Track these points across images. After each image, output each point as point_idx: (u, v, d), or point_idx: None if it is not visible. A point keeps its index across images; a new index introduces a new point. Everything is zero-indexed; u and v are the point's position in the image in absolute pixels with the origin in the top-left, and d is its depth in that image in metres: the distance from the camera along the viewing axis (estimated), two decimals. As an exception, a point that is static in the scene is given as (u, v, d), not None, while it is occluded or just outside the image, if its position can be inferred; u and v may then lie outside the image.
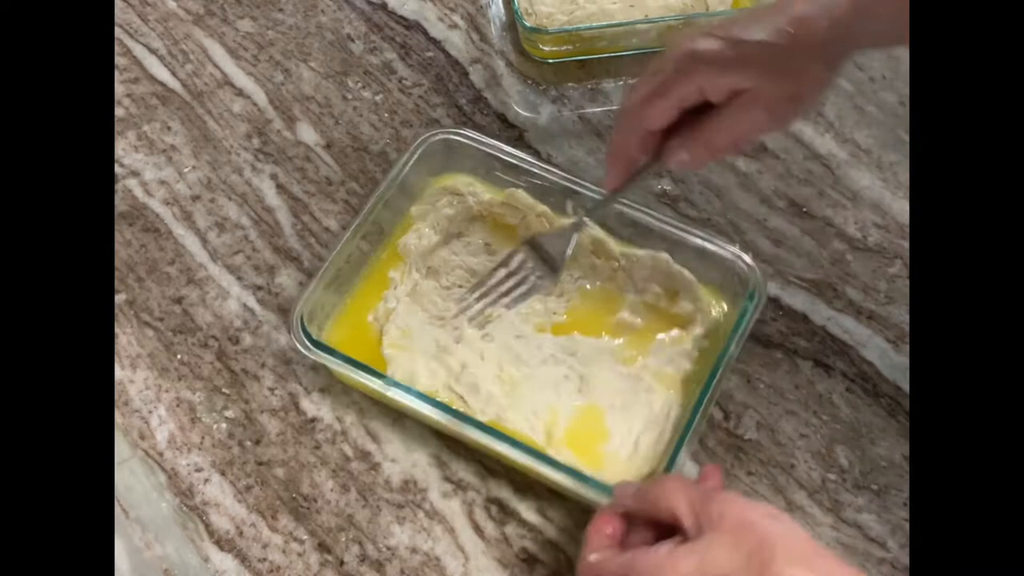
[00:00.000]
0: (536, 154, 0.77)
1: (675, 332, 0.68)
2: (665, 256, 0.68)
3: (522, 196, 0.71)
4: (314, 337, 0.63)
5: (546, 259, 0.66)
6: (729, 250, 0.67)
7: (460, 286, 0.69)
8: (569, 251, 0.65)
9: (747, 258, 0.66)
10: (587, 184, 0.69)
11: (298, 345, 0.62)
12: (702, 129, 0.57)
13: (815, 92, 0.57)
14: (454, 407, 0.62)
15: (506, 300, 0.67)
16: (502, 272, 0.67)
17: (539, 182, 0.70)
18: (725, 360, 0.62)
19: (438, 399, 0.63)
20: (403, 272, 0.70)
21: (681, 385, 0.66)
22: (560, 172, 0.70)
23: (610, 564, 0.55)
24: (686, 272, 0.68)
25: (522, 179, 0.71)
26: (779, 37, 0.54)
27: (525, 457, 0.60)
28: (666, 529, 0.55)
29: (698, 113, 0.57)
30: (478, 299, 0.67)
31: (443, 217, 0.72)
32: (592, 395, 0.65)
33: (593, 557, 0.56)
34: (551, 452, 0.62)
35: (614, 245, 0.70)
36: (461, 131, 0.71)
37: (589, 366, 0.66)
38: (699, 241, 0.67)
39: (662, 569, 0.51)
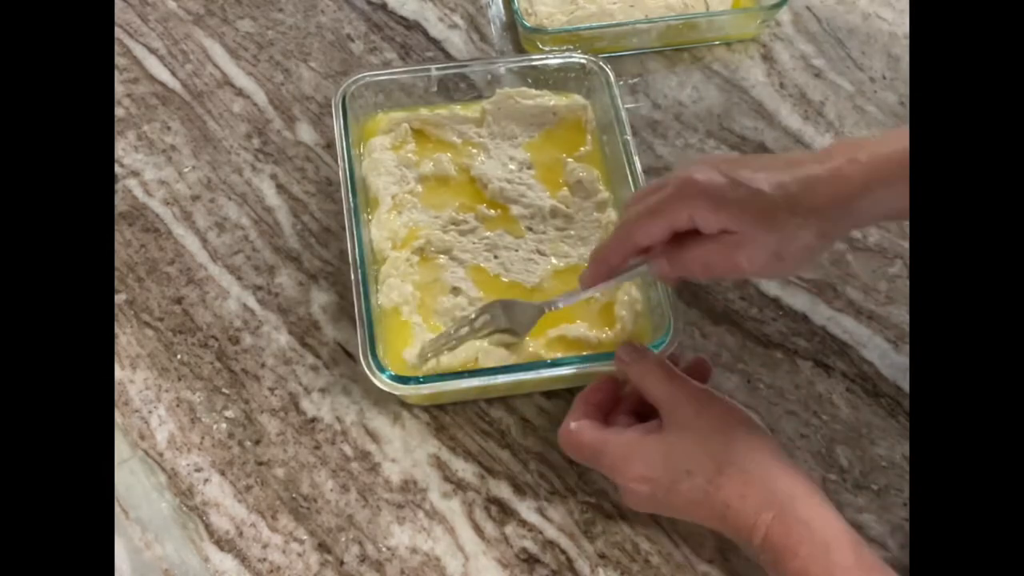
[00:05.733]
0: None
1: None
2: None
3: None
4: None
5: (512, 323, 0.65)
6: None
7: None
8: (532, 327, 0.65)
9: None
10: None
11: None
12: (682, 253, 0.57)
13: (799, 258, 0.56)
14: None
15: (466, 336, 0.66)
16: (465, 330, 0.65)
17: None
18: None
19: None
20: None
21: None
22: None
23: (585, 435, 0.59)
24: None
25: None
26: (779, 192, 0.53)
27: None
28: (648, 418, 0.60)
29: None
30: (440, 345, 0.65)
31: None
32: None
33: (574, 425, 0.60)
34: None
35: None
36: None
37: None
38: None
39: (632, 455, 0.57)
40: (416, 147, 0.76)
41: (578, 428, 0.60)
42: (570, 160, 0.75)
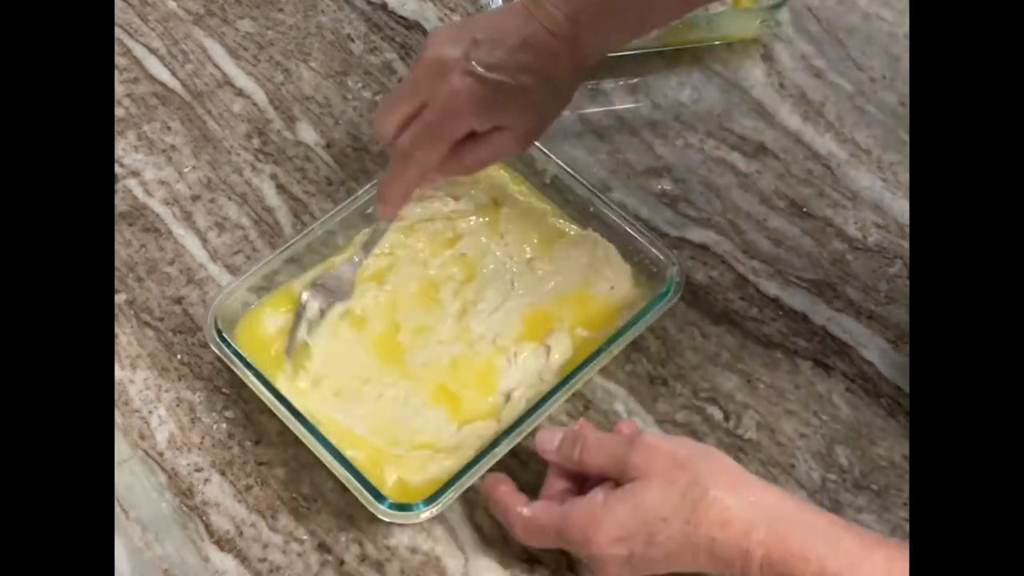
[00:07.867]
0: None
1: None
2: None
3: None
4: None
5: (336, 289, 0.68)
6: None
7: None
8: (354, 284, 0.68)
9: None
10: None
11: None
12: (463, 153, 0.64)
13: (553, 119, 0.66)
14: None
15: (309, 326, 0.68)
16: (304, 325, 0.67)
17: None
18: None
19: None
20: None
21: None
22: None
23: (544, 516, 0.56)
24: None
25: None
26: (528, 79, 0.61)
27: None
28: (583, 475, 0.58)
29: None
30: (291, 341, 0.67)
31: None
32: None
33: (526, 511, 0.57)
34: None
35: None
36: None
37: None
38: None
39: (599, 518, 0.54)
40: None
41: (532, 511, 0.57)
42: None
